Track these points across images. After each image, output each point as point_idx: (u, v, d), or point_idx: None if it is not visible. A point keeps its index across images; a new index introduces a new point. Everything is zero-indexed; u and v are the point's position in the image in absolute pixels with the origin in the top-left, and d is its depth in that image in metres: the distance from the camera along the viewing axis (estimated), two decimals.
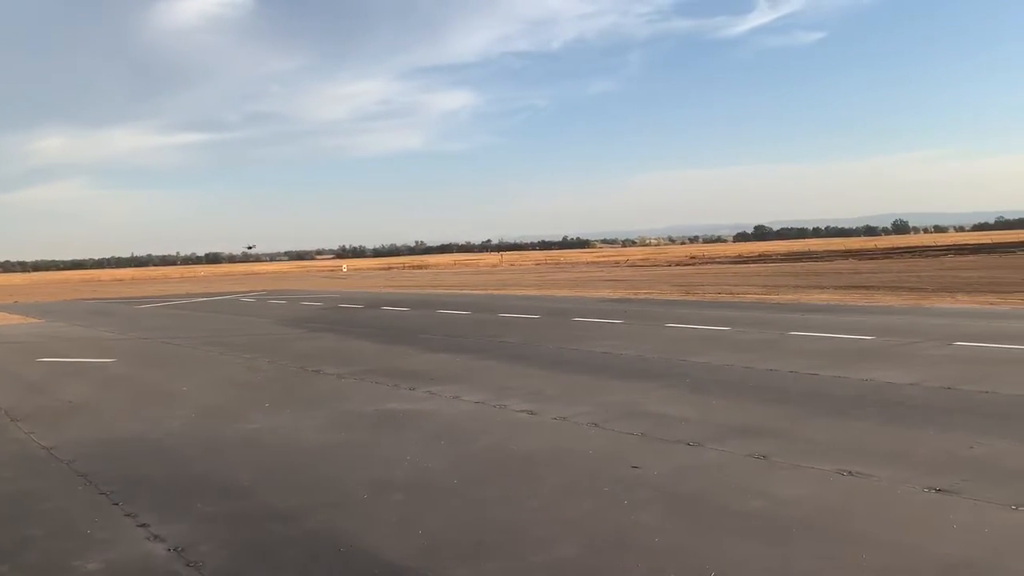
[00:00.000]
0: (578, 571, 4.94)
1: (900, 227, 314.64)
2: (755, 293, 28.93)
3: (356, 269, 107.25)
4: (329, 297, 38.77)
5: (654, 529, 5.53)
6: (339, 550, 5.36)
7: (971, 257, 57.15)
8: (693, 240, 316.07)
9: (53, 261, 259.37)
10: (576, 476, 6.89)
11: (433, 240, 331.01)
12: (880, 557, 4.88)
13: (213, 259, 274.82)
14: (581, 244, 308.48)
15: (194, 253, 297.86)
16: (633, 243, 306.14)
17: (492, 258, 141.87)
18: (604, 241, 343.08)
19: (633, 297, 29.85)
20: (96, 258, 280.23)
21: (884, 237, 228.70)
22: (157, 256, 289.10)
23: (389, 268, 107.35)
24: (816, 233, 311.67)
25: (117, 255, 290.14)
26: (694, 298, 27.98)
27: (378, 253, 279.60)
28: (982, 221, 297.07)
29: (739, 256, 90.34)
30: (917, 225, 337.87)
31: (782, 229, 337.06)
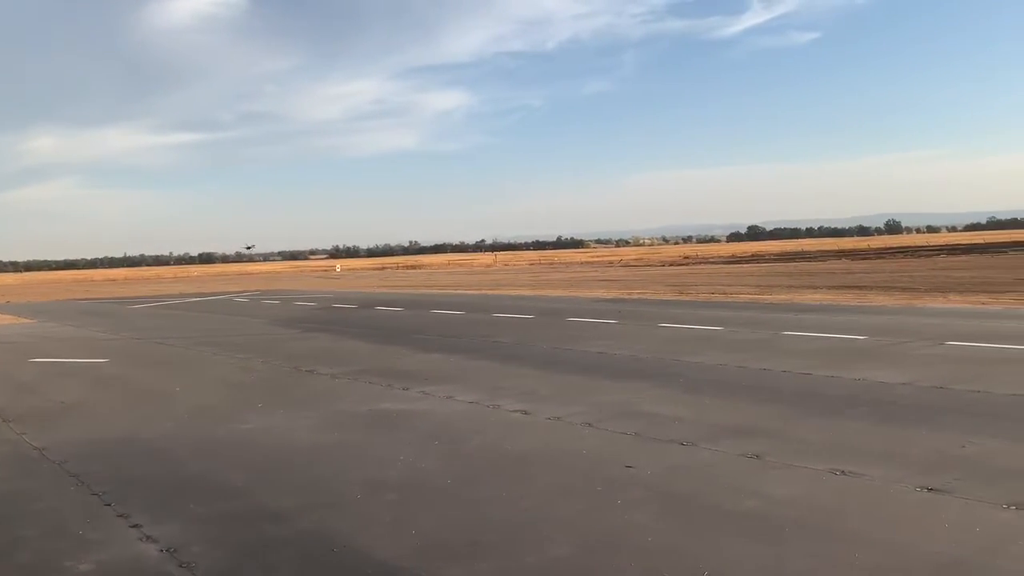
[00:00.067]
0: (572, 571, 4.94)
1: (893, 227, 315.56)
2: (748, 293, 28.99)
3: (350, 269, 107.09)
4: (323, 297, 38.71)
5: (648, 529, 5.54)
6: (332, 550, 5.36)
7: (963, 257, 57.36)
8: (687, 240, 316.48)
9: (45, 261, 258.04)
10: (570, 476, 6.89)
11: (427, 240, 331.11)
12: (873, 556, 4.89)
13: (206, 259, 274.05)
14: (575, 244, 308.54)
15: (187, 253, 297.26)
16: (627, 243, 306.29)
17: (486, 258, 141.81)
18: (598, 241, 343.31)
19: (627, 297, 29.87)
20: (89, 258, 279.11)
21: (877, 237, 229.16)
22: (150, 256, 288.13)
23: (383, 268, 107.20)
24: (809, 233, 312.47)
25: (110, 255, 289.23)
26: (688, 298, 28.02)
27: (372, 253, 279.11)
28: (974, 221, 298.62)
29: (732, 256, 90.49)
30: (910, 225, 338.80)
31: (775, 229, 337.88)
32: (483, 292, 38.02)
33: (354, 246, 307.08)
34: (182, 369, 15.12)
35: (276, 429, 9.26)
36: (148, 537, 5.70)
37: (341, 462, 7.71)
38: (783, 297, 26.33)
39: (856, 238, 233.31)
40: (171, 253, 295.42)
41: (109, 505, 6.50)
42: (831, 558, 4.91)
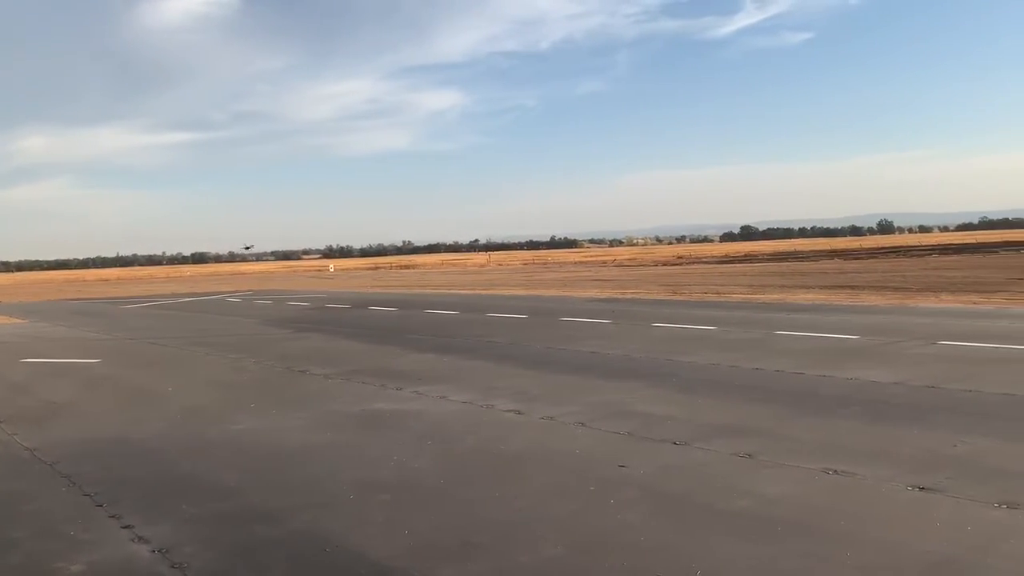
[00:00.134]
0: (565, 570, 4.94)
1: (885, 227, 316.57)
2: (741, 293, 29.05)
3: (343, 269, 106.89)
4: (316, 297, 38.64)
5: (640, 528, 5.54)
6: (325, 550, 5.35)
7: (955, 257, 57.57)
8: (680, 240, 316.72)
9: (37, 261, 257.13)
10: (563, 476, 6.90)
11: (421, 240, 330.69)
12: (865, 555, 4.91)
13: (199, 259, 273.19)
14: (569, 244, 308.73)
15: (180, 253, 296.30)
16: (620, 243, 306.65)
17: (480, 258, 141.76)
18: (592, 241, 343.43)
19: (620, 297, 29.90)
20: (81, 258, 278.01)
21: (869, 237, 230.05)
22: (143, 256, 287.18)
23: (376, 268, 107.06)
24: (802, 233, 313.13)
25: (102, 255, 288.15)
26: (681, 298, 28.06)
27: (365, 253, 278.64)
28: (966, 221, 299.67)
29: (725, 256, 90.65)
30: (902, 225, 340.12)
31: (768, 229, 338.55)
32: (477, 292, 38.00)
33: (347, 246, 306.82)
34: (174, 369, 15.08)
35: (269, 429, 9.24)
36: (140, 538, 5.68)
37: (334, 462, 7.69)
38: (776, 297, 26.39)
39: (848, 238, 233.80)
40: (164, 253, 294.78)
41: (101, 506, 6.48)
42: (823, 557, 4.92)
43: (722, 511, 5.83)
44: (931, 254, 65.75)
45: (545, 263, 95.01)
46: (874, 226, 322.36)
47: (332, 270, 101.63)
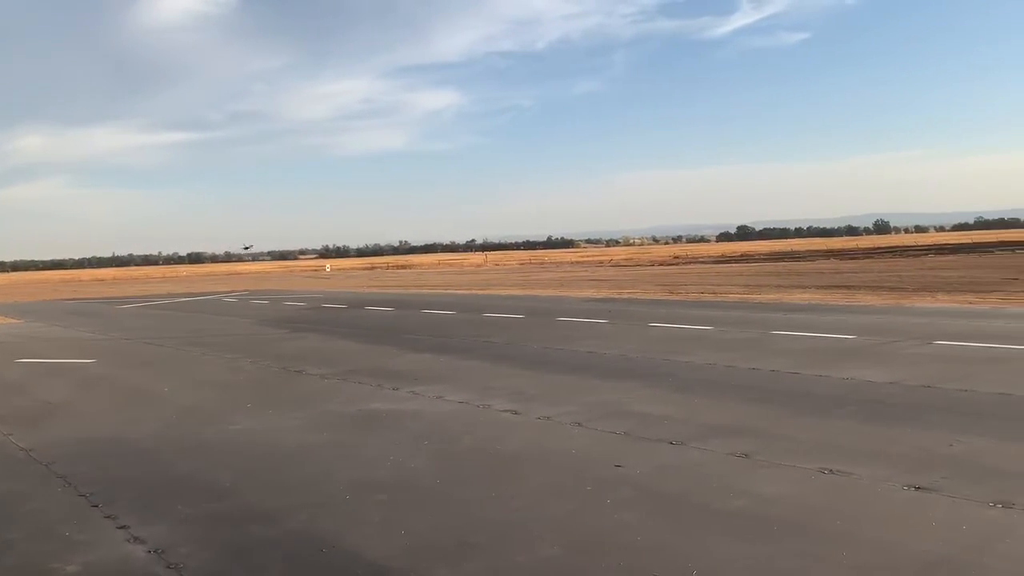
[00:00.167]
0: (561, 570, 4.94)
1: (881, 227, 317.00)
2: (738, 293, 29.08)
3: (339, 269, 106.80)
4: (312, 297, 38.60)
5: (637, 528, 5.55)
6: (321, 550, 5.34)
7: (951, 257, 57.69)
8: (676, 240, 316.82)
9: (32, 261, 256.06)
10: (559, 475, 6.90)
11: (417, 240, 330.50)
12: (860, 554, 4.92)
13: (195, 259, 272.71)
14: (565, 244, 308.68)
15: (176, 253, 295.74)
16: (617, 243, 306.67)
17: (476, 258, 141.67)
18: (588, 241, 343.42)
19: (617, 297, 29.92)
20: (77, 258, 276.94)
21: (865, 237, 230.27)
22: (139, 256, 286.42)
23: (373, 268, 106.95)
24: (798, 233, 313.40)
25: (98, 255, 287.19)
26: (677, 298, 28.08)
27: (362, 253, 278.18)
28: (962, 221, 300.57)
29: (722, 256, 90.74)
30: (898, 225, 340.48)
31: (764, 229, 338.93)
32: (473, 292, 38.00)
33: (344, 246, 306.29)
34: (170, 369, 15.05)
35: (265, 429, 9.22)
36: (136, 538, 5.67)
37: (330, 462, 7.69)
38: (772, 297, 26.42)
39: (845, 238, 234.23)
40: (160, 253, 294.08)
41: (96, 506, 6.47)
42: (819, 556, 4.93)
43: (718, 511, 5.84)
44: (927, 254, 65.88)
45: (542, 263, 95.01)
46: (870, 226, 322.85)
47: (328, 270, 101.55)
